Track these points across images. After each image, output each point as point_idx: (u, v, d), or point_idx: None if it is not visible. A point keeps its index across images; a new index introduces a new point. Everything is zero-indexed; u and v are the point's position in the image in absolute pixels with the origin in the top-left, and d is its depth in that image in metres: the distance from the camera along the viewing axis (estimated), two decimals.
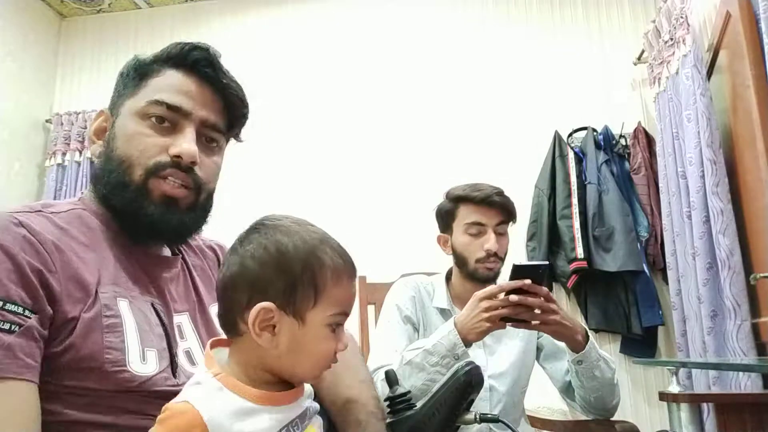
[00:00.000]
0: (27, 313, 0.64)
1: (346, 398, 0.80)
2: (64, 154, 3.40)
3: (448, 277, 1.58)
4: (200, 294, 0.90)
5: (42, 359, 0.65)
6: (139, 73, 0.83)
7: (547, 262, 1.25)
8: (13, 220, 0.68)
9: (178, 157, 0.77)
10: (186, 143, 0.78)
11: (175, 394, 0.68)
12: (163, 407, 0.61)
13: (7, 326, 0.62)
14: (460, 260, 1.49)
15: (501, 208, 1.48)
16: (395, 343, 1.45)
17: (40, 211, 0.74)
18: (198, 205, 0.82)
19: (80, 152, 3.39)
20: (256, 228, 0.68)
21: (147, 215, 0.77)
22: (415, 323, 1.51)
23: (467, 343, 1.23)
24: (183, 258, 0.91)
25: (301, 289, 0.63)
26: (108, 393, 0.68)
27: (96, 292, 0.71)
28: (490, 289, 1.22)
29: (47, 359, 0.66)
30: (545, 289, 1.21)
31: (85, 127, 3.39)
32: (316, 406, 0.72)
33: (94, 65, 3.63)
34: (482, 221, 1.45)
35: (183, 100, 0.80)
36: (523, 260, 1.37)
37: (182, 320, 0.83)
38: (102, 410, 0.68)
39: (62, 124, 3.44)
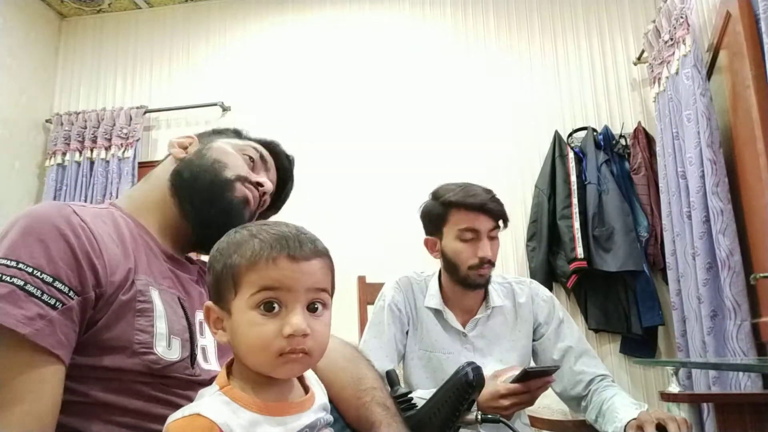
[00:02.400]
0: (72, 294, 0.69)
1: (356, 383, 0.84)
2: (64, 154, 3.40)
3: (439, 277, 1.54)
4: None
5: (76, 340, 0.70)
6: (242, 135, 1.13)
7: (557, 366, 1.29)
8: (68, 209, 0.74)
9: (260, 184, 0.98)
10: (266, 180, 1.00)
11: (190, 382, 0.76)
12: (168, 421, 0.62)
13: (53, 301, 0.67)
14: (450, 266, 1.45)
15: (495, 214, 1.43)
16: (387, 348, 1.44)
17: (84, 206, 0.80)
18: (254, 216, 0.99)
19: (80, 152, 3.39)
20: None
21: (226, 205, 0.90)
22: (406, 323, 1.50)
23: None
24: (199, 267, 0.98)
25: (222, 283, 0.66)
26: (133, 374, 0.73)
27: (133, 278, 0.77)
28: (516, 388, 1.20)
29: (83, 339, 0.71)
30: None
31: (85, 127, 3.39)
32: (330, 418, 0.71)
33: (94, 65, 3.63)
34: (476, 227, 1.41)
35: (268, 160, 1.06)
36: (533, 366, 1.39)
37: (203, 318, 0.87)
38: (125, 393, 0.72)
39: (62, 124, 3.44)
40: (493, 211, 1.42)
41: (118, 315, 0.73)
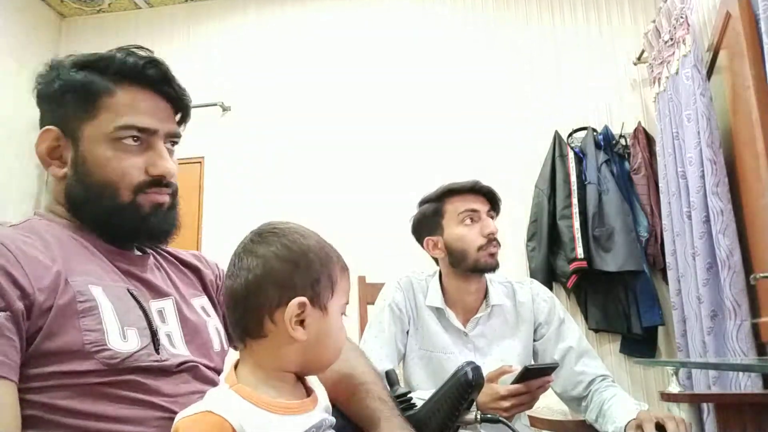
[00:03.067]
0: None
1: (351, 377, 0.85)
2: None
3: (440, 277, 1.55)
4: (178, 286, 0.92)
5: (23, 354, 0.67)
6: (88, 92, 0.82)
7: (556, 364, 1.29)
8: None
9: (160, 176, 0.83)
10: (165, 163, 0.84)
11: (160, 370, 0.73)
12: (177, 419, 0.62)
13: None
14: (458, 256, 1.45)
15: (489, 194, 1.48)
16: (387, 348, 1.45)
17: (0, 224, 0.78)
18: (174, 204, 0.89)
19: None
20: (271, 232, 0.72)
21: (140, 222, 0.83)
22: (407, 323, 1.50)
23: None
24: (153, 257, 0.93)
25: (323, 282, 0.71)
26: (94, 375, 0.69)
27: (66, 280, 0.72)
28: (517, 388, 1.20)
29: (30, 351, 0.67)
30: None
31: None
32: (332, 420, 0.73)
33: None
34: (475, 207, 1.45)
35: (150, 120, 0.83)
36: (533, 363, 1.39)
37: (165, 305, 0.85)
38: (92, 397, 0.69)
39: None
40: (485, 189, 1.48)
41: (60, 320, 0.69)
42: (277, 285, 0.68)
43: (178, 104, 0.89)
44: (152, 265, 0.90)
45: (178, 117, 0.91)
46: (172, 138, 0.89)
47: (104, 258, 0.82)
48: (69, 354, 0.69)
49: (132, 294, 0.80)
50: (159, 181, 0.84)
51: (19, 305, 0.66)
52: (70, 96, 0.82)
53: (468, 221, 1.44)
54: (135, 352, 0.73)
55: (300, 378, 0.74)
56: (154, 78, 0.85)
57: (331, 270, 0.72)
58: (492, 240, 1.43)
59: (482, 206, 1.46)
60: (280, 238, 0.71)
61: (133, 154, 0.82)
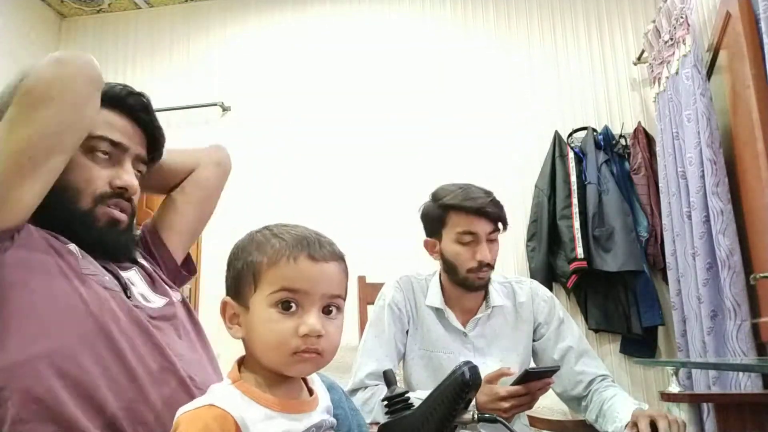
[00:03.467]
0: None
1: None
2: None
3: (440, 276, 1.55)
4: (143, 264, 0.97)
5: None
6: None
7: (557, 367, 1.28)
8: None
9: (123, 188, 0.88)
10: (129, 177, 0.89)
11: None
12: (179, 413, 0.63)
13: None
14: (450, 268, 1.45)
15: (494, 217, 1.42)
16: (387, 347, 1.44)
17: None
18: (131, 226, 0.93)
19: None
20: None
21: (95, 237, 0.85)
22: (406, 323, 1.50)
23: None
24: None
25: (243, 278, 0.68)
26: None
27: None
28: (516, 390, 1.19)
29: None
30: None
31: None
32: (333, 421, 0.73)
33: None
34: (475, 230, 1.40)
35: (122, 138, 0.90)
36: (534, 366, 1.38)
37: (130, 275, 0.92)
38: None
39: None
40: (492, 214, 1.40)
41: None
42: (226, 285, 0.72)
43: (153, 135, 0.97)
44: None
45: (148, 151, 0.97)
46: (141, 162, 0.94)
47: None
48: None
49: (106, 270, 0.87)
50: (121, 194, 0.88)
51: None
52: None
53: (465, 240, 1.41)
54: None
55: (304, 378, 0.74)
56: (133, 105, 0.93)
57: (253, 263, 0.68)
58: (483, 266, 1.41)
59: (483, 229, 1.40)
60: (240, 240, 0.74)
61: (101, 166, 0.88)
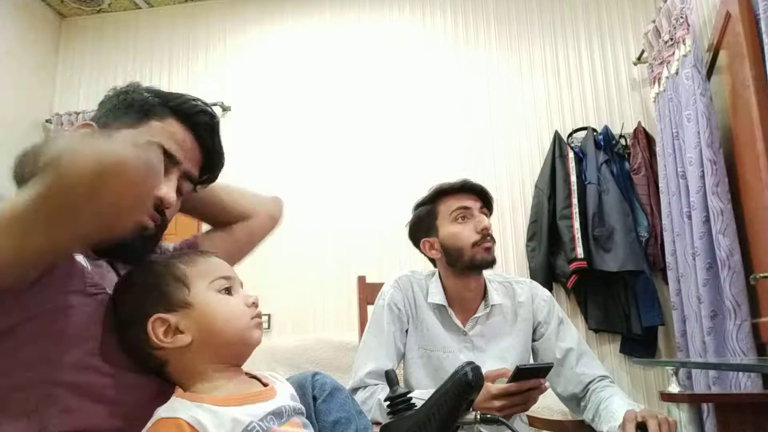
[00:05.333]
0: None
1: None
2: None
3: (440, 276, 1.55)
4: None
5: None
6: (143, 108, 0.87)
7: (551, 364, 1.28)
8: None
9: (158, 199, 0.83)
10: (169, 190, 0.85)
11: None
12: None
13: None
14: (454, 254, 1.46)
15: (480, 192, 1.49)
16: (386, 347, 1.45)
17: None
18: (157, 238, 0.89)
19: None
20: (115, 287, 0.77)
21: (122, 244, 0.79)
22: (406, 322, 1.50)
23: None
24: None
25: (168, 289, 0.72)
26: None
27: None
28: (507, 387, 1.19)
29: None
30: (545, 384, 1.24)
31: None
32: (299, 407, 0.75)
33: (94, 65, 3.63)
34: (467, 205, 1.46)
35: (178, 150, 0.86)
36: (526, 363, 1.38)
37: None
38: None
39: (62, 124, 3.44)
40: (477, 187, 1.49)
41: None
42: (132, 321, 0.71)
43: (212, 158, 0.92)
44: None
45: (202, 172, 0.93)
46: (189, 180, 0.90)
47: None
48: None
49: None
50: (155, 205, 0.84)
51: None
52: (130, 104, 0.88)
53: (461, 219, 1.46)
54: None
55: (254, 375, 0.77)
56: (199, 123, 0.89)
57: (173, 271, 0.74)
58: (486, 235, 1.44)
59: (474, 203, 1.47)
60: (118, 286, 0.76)
61: None
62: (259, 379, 0.76)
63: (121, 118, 0.86)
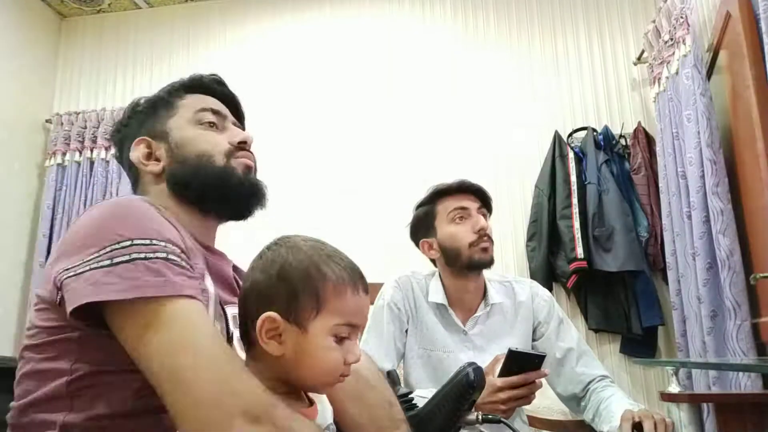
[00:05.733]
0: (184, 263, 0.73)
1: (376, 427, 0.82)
2: (64, 154, 3.40)
3: (440, 275, 1.56)
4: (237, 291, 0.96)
5: None
6: (164, 99, 0.99)
7: (544, 354, 1.28)
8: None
9: (243, 142, 0.95)
10: (244, 132, 0.98)
11: None
12: None
13: (189, 266, 0.73)
14: (452, 254, 1.47)
15: (478, 192, 1.51)
16: (386, 347, 1.45)
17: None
18: (256, 171, 1.00)
19: (80, 152, 3.39)
20: (270, 246, 0.74)
21: (236, 185, 0.91)
22: (405, 322, 1.50)
23: None
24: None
25: (302, 299, 0.68)
26: None
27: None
28: (512, 380, 1.20)
29: None
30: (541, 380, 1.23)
31: (85, 127, 3.40)
32: (333, 429, 0.74)
33: (94, 65, 3.63)
34: (464, 205, 1.47)
35: (219, 107, 1.00)
36: (520, 348, 1.39)
37: (236, 311, 0.87)
38: None
39: (62, 124, 3.44)
40: (474, 187, 1.50)
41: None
42: (255, 298, 0.70)
43: (233, 104, 1.05)
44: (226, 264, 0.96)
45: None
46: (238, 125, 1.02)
47: (202, 252, 0.87)
48: None
49: (219, 299, 0.84)
50: (242, 147, 0.95)
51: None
52: (154, 106, 0.98)
53: (458, 219, 1.47)
54: None
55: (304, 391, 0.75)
56: (209, 83, 1.02)
57: (317, 288, 0.68)
58: (483, 235, 1.44)
59: (472, 204, 1.48)
60: (272, 252, 0.73)
61: (214, 133, 0.95)
62: (307, 395, 0.75)
63: (158, 116, 0.96)
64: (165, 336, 0.65)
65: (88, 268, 0.67)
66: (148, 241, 0.70)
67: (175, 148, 0.92)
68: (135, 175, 0.96)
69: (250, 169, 0.95)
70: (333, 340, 0.68)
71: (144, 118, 0.97)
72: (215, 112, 0.97)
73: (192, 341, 0.65)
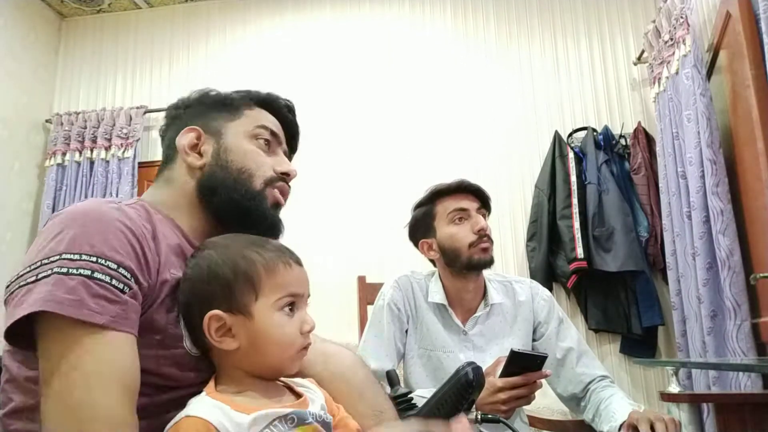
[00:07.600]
0: (133, 281, 0.70)
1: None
2: (64, 154, 3.40)
3: (440, 275, 1.55)
4: None
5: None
6: (234, 103, 1.01)
7: (546, 355, 1.27)
8: (116, 207, 0.77)
9: (286, 174, 0.96)
10: (289, 164, 0.98)
11: None
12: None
13: (121, 286, 0.68)
14: (451, 255, 1.46)
15: (477, 192, 1.50)
16: (386, 347, 1.45)
17: (120, 203, 0.82)
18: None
19: (80, 152, 3.39)
20: (194, 254, 0.76)
21: (262, 214, 0.91)
22: (405, 322, 1.50)
23: None
24: None
25: (238, 289, 0.70)
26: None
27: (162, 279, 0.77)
28: (514, 380, 1.20)
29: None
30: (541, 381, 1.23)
31: (85, 127, 3.40)
32: (328, 417, 0.73)
33: (94, 65, 3.63)
34: (463, 206, 1.47)
35: (278, 130, 1.01)
36: (522, 348, 1.38)
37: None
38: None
39: (62, 124, 3.44)
40: (473, 187, 1.50)
41: (159, 310, 0.74)
42: (196, 304, 0.71)
43: (293, 134, 1.06)
44: None
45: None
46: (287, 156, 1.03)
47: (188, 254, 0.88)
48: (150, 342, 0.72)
49: None
50: (283, 179, 0.95)
51: (144, 282, 0.72)
52: (220, 103, 1.00)
53: (458, 220, 1.46)
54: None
55: (287, 385, 0.75)
56: (281, 105, 1.05)
57: (248, 273, 0.70)
58: (483, 236, 1.44)
59: (471, 204, 1.48)
60: (197, 257, 0.75)
61: (265, 152, 0.96)
62: (292, 388, 0.75)
63: (221, 113, 0.98)
64: (54, 363, 0.65)
65: (17, 286, 0.68)
66: (77, 256, 0.67)
67: (222, 152, 0.93)
68: (170, 157, 0.95)
69: (278, 206, 0.95)
70: (281, 315, 0.71)
71: (206, 109, 0.99)
72: (273, 134, 0.98)
73: (71, 381, 0.63)
